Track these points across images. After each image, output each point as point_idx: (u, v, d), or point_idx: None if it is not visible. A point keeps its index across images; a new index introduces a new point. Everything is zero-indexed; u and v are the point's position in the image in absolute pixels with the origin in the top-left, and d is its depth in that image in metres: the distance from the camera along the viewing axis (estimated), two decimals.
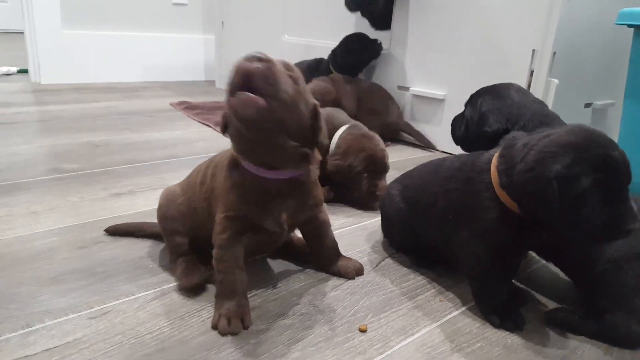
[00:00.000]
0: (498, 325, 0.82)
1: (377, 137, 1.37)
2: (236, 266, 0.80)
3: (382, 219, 1.09)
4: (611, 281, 0.78)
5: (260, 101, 0.64)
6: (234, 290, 0.79)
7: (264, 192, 0.77)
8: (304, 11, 2.20)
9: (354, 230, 1.18)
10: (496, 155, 0.79)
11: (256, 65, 0.63)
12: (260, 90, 0.64)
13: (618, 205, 0.67)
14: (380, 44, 2.03)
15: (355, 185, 1.32)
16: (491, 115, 1.08)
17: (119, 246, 1.00)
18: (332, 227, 1.02)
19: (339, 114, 1.48)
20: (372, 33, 2.09)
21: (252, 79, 0.64)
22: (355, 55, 2.04)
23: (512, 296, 0.88)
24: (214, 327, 0.77)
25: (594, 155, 0.66)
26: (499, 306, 0.83)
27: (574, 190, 0.66)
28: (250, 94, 0.64)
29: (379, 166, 1.33)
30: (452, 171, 0.87)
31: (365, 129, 1.39)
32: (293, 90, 0.68)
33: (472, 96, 1.18)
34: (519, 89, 1.14)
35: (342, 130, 1.36)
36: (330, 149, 1.34)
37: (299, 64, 2.16)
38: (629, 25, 1.35)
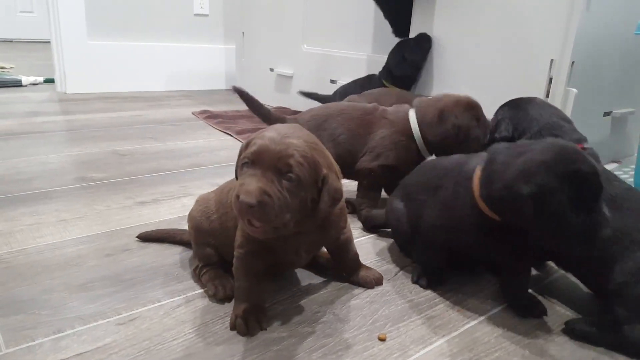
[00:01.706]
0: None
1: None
2: (251, 275, 0.83)
3: (391, 229, 1.13)
4: (631, 293, 0.79)
5: (262, 229, 0.73)
6: (249, 295, 0.83)
7: None
8: (323, 21, 2.22)
9: (375, 240, 1.19)
10: (479, 167, 0.85)
11: (251, 206, 0.69)
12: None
13: (591, 214, 0.73)
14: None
15: (471, 143, 1.18)
16: (503, 123, 1.12)
17: (146, 254, 1.04)
18: (354, 237, 1.04)
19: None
20: (393, 40, 2.10)
21: (250, 215, 0.71)
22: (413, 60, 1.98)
23: (529, 307, 0.91)
24: (232, 327, 0.80)
25: (565, 171, 0.72)
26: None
27: (549, 206, 0.72)
28: (252, 227, 0.73)
29: (479, 110, 1.21)
30: (444, 170, 0.96)
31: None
32: (289, 200, 0.72)
33: (499, 107, 1.21)
34: (540, 103, 1.15)
35: (415, 102, 1.28)
36: (413, 128, 1.23)
37: (351, 84, 2.18)
38: None
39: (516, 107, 1.12)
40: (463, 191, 0.87)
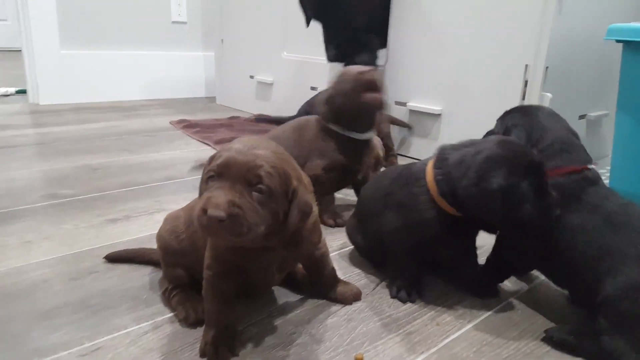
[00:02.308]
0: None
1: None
2: (222, 297, 0.79)
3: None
4: (617, 307, 0.77)
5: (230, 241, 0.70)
6: (219, 319, 0.79)
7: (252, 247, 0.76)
8: (302, 29, 2.20)
9: (347, 253, 1.17)
10: (430, 166, 0.91)
11: (221, 220, 0.65)
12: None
13: (546, 197, 0.82)
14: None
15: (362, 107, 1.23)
16: (515, 129, 1.08)
17: (113, 276, 1.00)
18: (331, 249, 1.01)
19: None
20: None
21: (218, 230, 0.66)
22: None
23: (485, 288, 1.00)
24: (202, 355, 0.76)
25: (523, 163, 0.82)
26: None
27: (515, 196, 0.81)
28: (218, 236, 0.69)
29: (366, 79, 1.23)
30: (390, 180, 1.00)
31: None
32: (261, 212, 0.69)
33: (503, 113, 1.18)
34: (550, 112, 1.12)
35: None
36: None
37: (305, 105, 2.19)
38: (618, 41, 1.35)
39: (528, 115, 1.07)
40: (417, 190, 0.91)
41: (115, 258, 1.05)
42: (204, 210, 0.65)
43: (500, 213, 0.81)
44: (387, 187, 0.99)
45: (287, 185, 0.72)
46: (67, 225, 1.24)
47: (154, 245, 0.98)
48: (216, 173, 0.69)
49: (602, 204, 0.85)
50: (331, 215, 1.34)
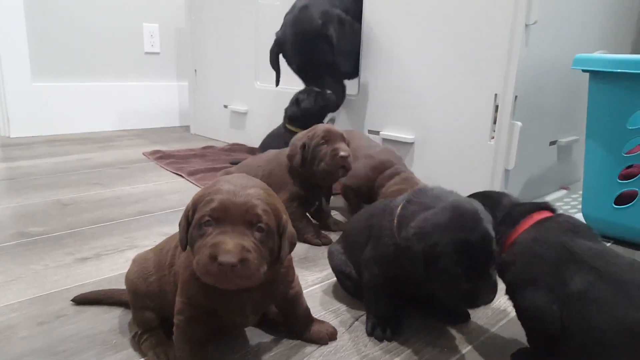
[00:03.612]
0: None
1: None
2: (193, 342, 0.77)
3: (336, 277, 1.12)
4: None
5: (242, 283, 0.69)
6: None
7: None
8: None
9: (328, 287, 1.16)
10: (400, 205, 0.89)
11: (235, 265, 0.65)
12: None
13: (477, 281, 0.76)
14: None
15: (320, 156, 1.36)
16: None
17: (82, 319, 0.96)
18: (305, 284, 1.00)
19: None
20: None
21: (231, 277, 0.66)
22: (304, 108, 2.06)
23: (455, 314, 1.01)
24: None
25: (454, 238, 0.76)
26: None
27: (437, 266, 0.77)
28: (231, 283, 0.68)
29: (333, 133, 1.38)
30: (374, 210, 1.01)
31: None
32: (264, 251, 0.70)
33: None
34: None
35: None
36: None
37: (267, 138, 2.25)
38: (584, 71, 1.40)
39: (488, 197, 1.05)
40: (387, 224, 0.91)
41: (83, 300, 1.02)
42: (214, 258, 0.64)
43: (422, 274, 0.79)
44: (370, 218, 1.00)
45: (279, 220, 0.73)
46: (36, 265, 1.21)
47: (124, 285, 0.95)
48: (213, 218, 0.68)
49: (599, 264, 0.74)
50: (315, 234, 1.43)
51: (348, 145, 1.40)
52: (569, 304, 0.73)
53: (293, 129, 2.07)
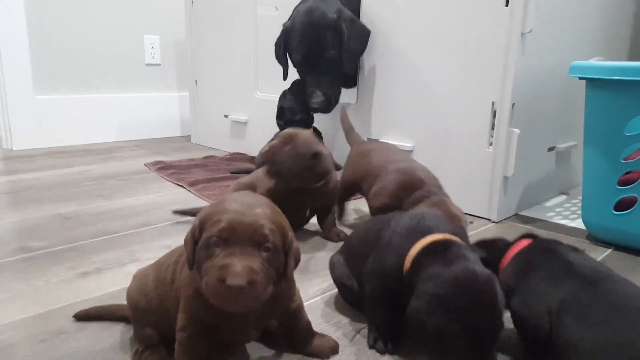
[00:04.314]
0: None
1: None
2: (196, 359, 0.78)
3: (337, 289, 1.12)
4: None
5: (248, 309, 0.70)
6: None
7: None
8: (274, 69, 2.25)
9: (329, 298, 1.16)
10: (420, 246, 0.86)
11: (244, 287, 0.65)
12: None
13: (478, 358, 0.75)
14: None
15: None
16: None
17: (83, 336, 0.97)
18: (307, 296, 1.00)
19: None
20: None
21: (240, 299, 0.67)
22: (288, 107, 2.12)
23: None
24: None
25: (464, 322, 0.74)
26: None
27: (444, 342, 0.75)
28: (239, 305, 0.68)
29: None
30: (382, 223, 0.99)
31: None
32: (271, 271, 0.71)
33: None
34: None
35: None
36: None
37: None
38: (580, 78, 1.40)
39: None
40: (397, 239, 0.91)
41: (84, 316, 1.02)
42: (222, 280, 0.65)
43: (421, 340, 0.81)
44: (378, 231, 0.99)
45: (284, 238, 0.74)
46: (37, 281, 1.21)
47: (125, 300, 0.95)
48: (221, 239, 0.69)
49: (597, 296, 0.75)
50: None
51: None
52: (558, 311, 0.76)
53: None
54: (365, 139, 2.06)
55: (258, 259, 0.68)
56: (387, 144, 1.73)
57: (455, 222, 1.16)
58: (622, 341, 0.68)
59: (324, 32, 1.95)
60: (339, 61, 1.98)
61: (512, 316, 0.86)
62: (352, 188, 1.59)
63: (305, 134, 1.42)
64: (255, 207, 0.72)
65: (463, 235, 0.93)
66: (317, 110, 2.05)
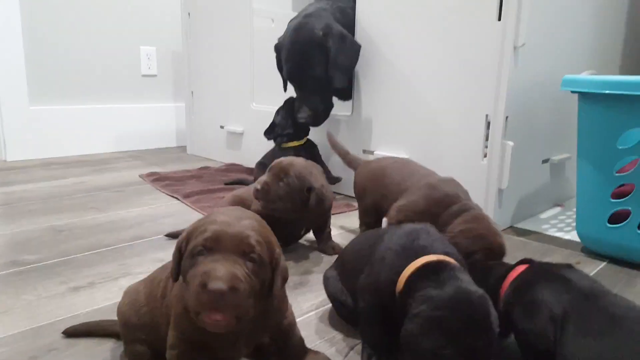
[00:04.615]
0: None
1: None
2: None
3: (332, 304, 1.11)
4: None
5: (226, 321, 0.67)
6: None
7: None
8: (270, 80, 2.26)
9: (323, 314, 1.15)
10: (413, 267, 0.84)
11: (224, 292, 0.64)
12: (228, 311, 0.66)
13: None
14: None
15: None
16: None
17: (74, 353, 0.96)
18: (300, 311, 0.99)
19: None
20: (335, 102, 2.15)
21: (222, 305, 0.65)
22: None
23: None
24: None
25: (459, 343, 0.73)
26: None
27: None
28: (219, 319, 0.66)
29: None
30: (375, 237, 0.99)
31: None
32: (254, 282, 0.69)
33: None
34: None
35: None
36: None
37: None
38: (573, 91, 1.41)
39: None
40: (391, 256, 0.90)
41: (74, 333, 1.01)
42: (203, 285, 0.64)
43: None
44: (372, 245, 0.98)
45: (272, 253, 0.74)
46: (28, 295, 1.20)
47: (115, 315, 0.94)
48: (206, 248, 0.68)
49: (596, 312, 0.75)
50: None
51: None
52: (561, 319, 0.77)
53: (286, 145, 2.12)
54: (361, 151, 2.07)
55: (243, 267, 0.68)
56: (401, 158, 1.67)
57: (494, 238, 1.13)
58: (625, 353, 0.68)
59: (309, 50, 1.97)
60: (327, 77, 1.99)
61: (514, 329, 0.86)
62: (375, 210, 1.50)
63: (298, 164, 1.39)
64: (242, 220, 0.72)
65: (457, 255, 0.92)
66: (304, 125, 2.11)
